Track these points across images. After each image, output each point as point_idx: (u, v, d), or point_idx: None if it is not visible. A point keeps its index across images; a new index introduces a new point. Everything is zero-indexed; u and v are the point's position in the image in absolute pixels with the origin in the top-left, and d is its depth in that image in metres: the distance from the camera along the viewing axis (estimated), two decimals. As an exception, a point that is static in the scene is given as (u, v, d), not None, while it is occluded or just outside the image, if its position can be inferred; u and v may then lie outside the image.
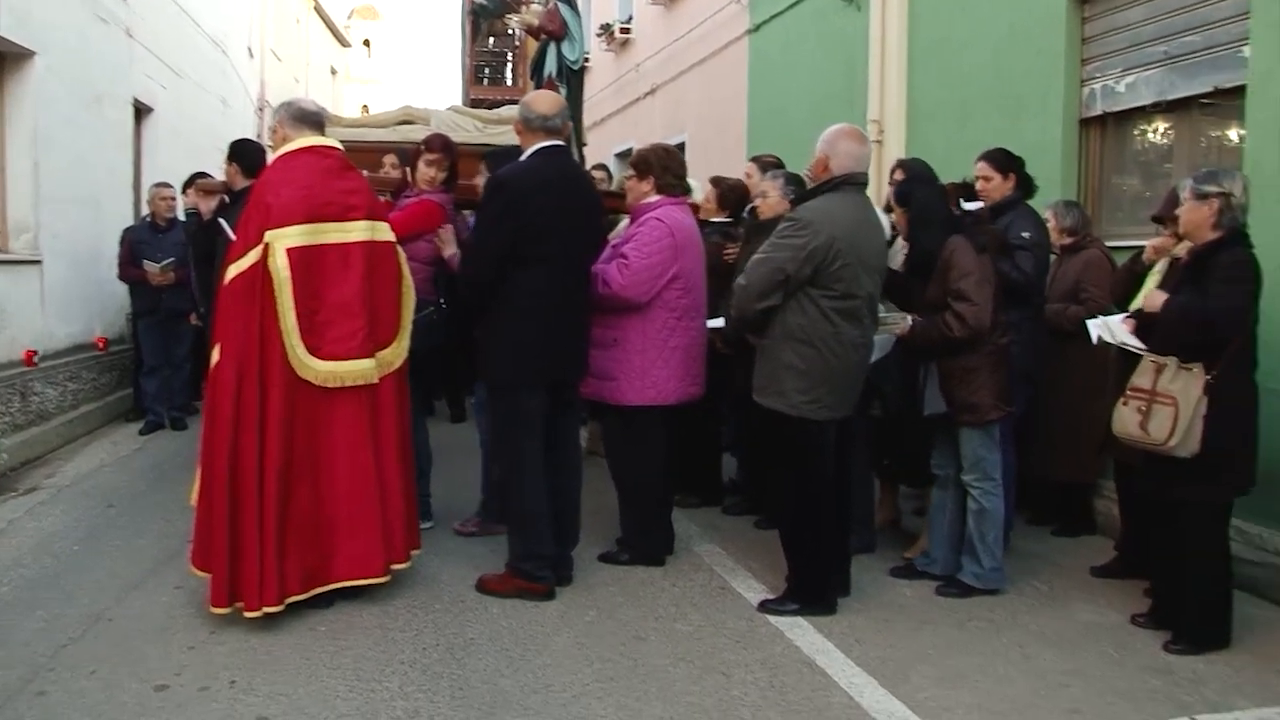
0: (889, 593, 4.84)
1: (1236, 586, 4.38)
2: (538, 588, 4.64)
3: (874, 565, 5.16)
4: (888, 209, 5.33)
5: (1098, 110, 6.38)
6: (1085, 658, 4.15)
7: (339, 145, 4.68)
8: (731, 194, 6.50)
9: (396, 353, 4.62)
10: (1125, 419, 4.24)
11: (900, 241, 5.68)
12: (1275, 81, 4.89)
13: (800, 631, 4.33)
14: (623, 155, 15.16)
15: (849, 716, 3.59)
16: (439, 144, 5.67)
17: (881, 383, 4.98)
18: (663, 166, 5.20)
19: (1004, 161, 5.48)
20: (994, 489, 4.74)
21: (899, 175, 5.23)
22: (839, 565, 4.71)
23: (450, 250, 5.30)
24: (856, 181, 4.50)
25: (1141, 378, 4.21)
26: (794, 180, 5.67)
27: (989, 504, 4.73)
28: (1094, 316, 4.78)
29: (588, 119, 11.11)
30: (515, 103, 6.77)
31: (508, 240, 4.48)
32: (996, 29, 7.13)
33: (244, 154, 6.36)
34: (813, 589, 4.55)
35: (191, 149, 12.34)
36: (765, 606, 4.59)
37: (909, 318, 4.75)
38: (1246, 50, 5.14)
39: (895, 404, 4.98)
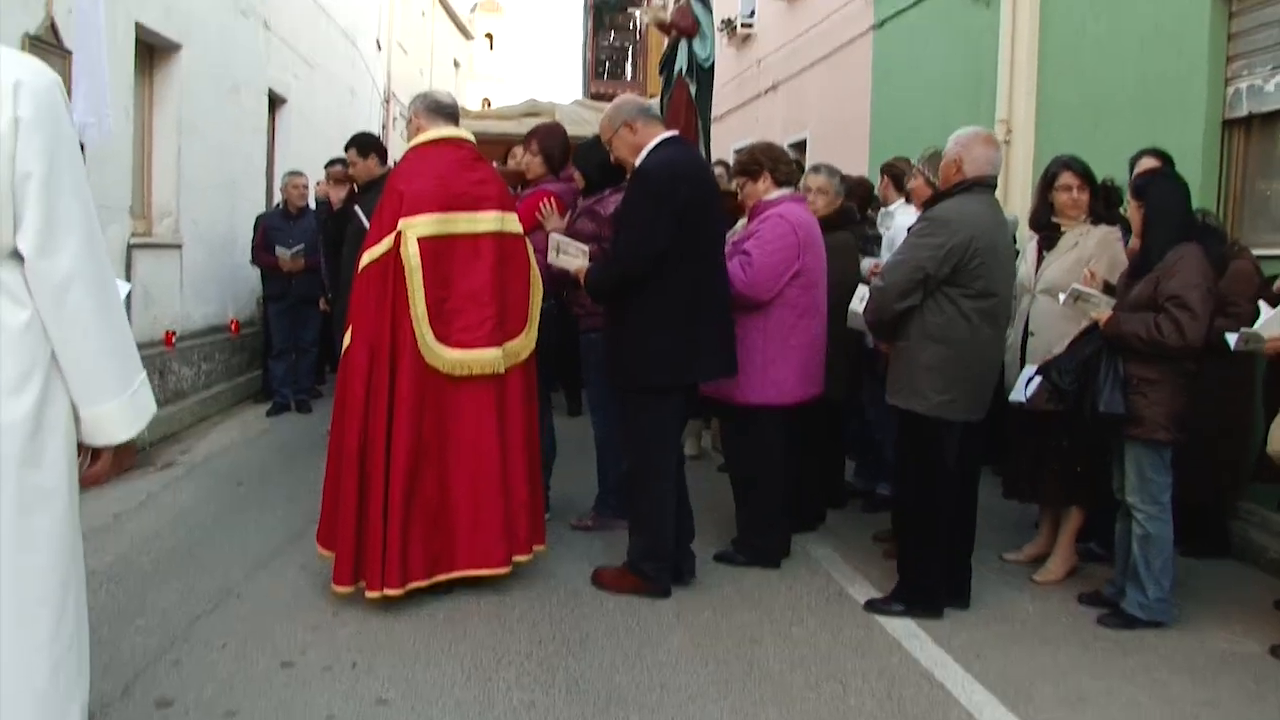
0: (1009, 606, 4.71)
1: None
2: (655, 588, 4.63)
3: (991, 576, 5.02)
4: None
5: (1243, 111, 6.12)
6: (1221, 688, 3.95)
7: (472, 137, 4.71)
8: (858, 189, 6.42)
9: (524, 344, 4.63)
10: None
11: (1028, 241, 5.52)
12: None
13: (918, 643, 4.24)
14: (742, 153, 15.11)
15: (969, 733, 3.51)
16: (535, 133, 5.81)
17: (1057, 377, 4.53)
18: (773, 160, 5.15)
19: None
20: (1160, 514, 4.45)
21: (1145, 166, 4.96)
22: (959, 574, 4.62)
23: (553, 224, 5.30)
24: (988, 184, 4.46)
25: None
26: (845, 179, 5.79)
27: (1154, 529, 4.43)
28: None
29: (708, 115, 11.09)
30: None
31: (669, 230, 4.34)
32: (1135, 26, 6.89)
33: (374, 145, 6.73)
34: (922, 590, 4.48)
35: (321, 138, 12.69)
36: (872, 605, 4.56)
37: (1111, 304, 4.44)
38: None
39: (1068, 401, 4.50)
